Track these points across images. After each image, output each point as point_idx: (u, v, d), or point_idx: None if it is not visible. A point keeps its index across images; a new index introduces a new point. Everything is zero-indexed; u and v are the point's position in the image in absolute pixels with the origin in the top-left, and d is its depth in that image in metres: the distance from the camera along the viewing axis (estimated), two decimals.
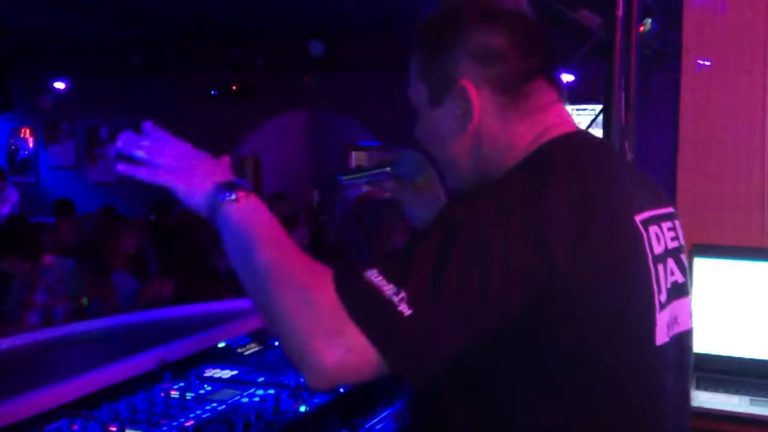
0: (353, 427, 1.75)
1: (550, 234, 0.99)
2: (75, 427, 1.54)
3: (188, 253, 4.67)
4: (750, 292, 2.40)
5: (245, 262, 1.07)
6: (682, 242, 1.24)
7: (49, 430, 1.54)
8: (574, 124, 1.21)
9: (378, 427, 1.82)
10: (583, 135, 1.22)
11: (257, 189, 10.84)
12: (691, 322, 1.23)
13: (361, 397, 1.80)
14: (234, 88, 9.10)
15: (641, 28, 2.57)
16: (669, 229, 1.19)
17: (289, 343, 0.98)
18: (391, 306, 0.94)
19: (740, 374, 2.38)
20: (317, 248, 8.73)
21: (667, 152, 3.83)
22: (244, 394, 1.75)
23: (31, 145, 10.68)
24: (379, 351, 0.93)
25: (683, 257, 1.22)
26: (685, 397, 1.25)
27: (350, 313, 0.95)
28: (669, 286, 1.14)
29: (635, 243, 1.08)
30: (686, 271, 1.22)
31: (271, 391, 1.74)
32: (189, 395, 1.73)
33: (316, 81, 8.82)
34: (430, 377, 0.98)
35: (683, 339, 1.20)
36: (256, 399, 1.72)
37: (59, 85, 9.55)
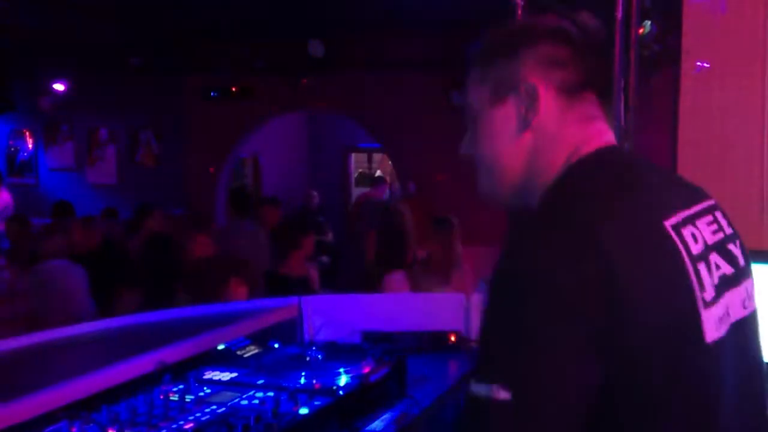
0: (353, 429, 1.75)
1: (607, 276, 1.02)
2: (74, 429, 1.54)
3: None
4: None
5: None
6: (728, 232, 1.26)
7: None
8: (612, 139, 1.27)
9: (377, 429, 1.82)
10: (614, 150, 1.27)
11: (256, 190, 10.87)
12: (748, 308, 1.24)
13: (360, 400, 1.80)
14: (233, 89, 9.10)
15: (640, 30, 2.57)
16: (709, 224, 1.22)
17: None
18: (490, 402, 1.01)
19: None
20: (317, 247, 8.74)
21: (666, 154, 3.83)
22: (244, 396, 1.75)
23: (30, 146, 10.67)
24: None
25: (731, 246, 1.25)
26: (755, 390, 1.25)
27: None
28: (716, 281, 1.16)
29: (668, 249, 1.11)
30: (736, 258, 1.24)
31: (271, 394, 1.73)
32: (188, 397, 1.73)
33: (315, 82, 8.82)
34: None
35: (740, 327, 1.21)
36: (256, 401, 1.72)
37: (59, 87, 9.55)
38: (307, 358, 2.00)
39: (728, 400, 1.16)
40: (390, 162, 10.70)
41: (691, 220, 1.18)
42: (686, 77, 2.55)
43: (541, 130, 1.22)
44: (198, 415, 1.63)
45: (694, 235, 1.16)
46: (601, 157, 1.22)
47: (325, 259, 8.44)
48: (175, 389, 1.77)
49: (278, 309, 2.38)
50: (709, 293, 1.13)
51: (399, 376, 1.96)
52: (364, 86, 8.84)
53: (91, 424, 1.56)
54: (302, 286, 4.36)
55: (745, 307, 1.23)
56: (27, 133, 10.64)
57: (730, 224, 1.28)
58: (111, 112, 9.98)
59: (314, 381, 1.85)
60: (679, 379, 1.08)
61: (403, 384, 1.98)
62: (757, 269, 2.38)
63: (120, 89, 9.56)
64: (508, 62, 1.23)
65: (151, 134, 10.00)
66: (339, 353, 2.05)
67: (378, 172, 12.20)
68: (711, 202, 1.27)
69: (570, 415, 1.02)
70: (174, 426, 1.56)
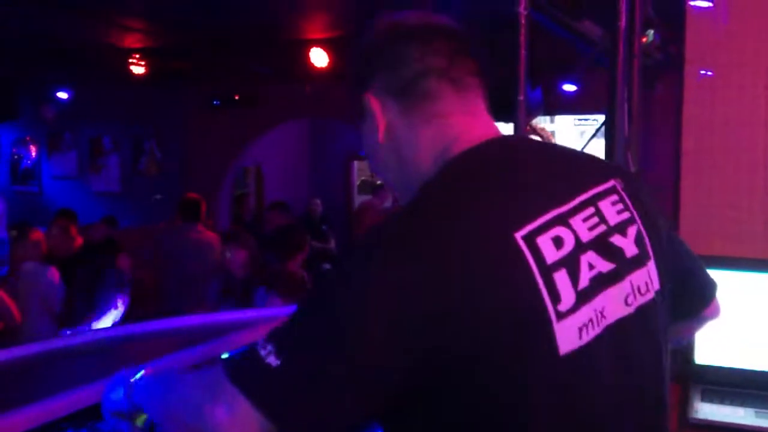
0: None
1: (409, 296, 0.98)
2: None
3: None
4: (754, 304, 2.40)
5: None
6: (619, 219, 1.19)
7: None
8: (487, 131, 1.21)
9: None
10: (489, 146, 1.19)
11: (259, 198, 10.88)
12: (633, 305, 1.16)
13: None
14: (236, 97, 9.12)
15: (643, 39, 2.58)
16: (587, 218, 1.15)
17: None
18: (259, 360, 0.97)
19: (745, 386, 2.37)
20: (319, 257, 8.74)
21: (669, 163, 3.83)
22: None
23: (34, 154, 10.70)
24: (253, 405, 0.95)
25: (616, 237, 1.17)
26: (644, 389, 1.18)
27: (228, 375, 0.99)
28: (586, 284, 1.10)
29: (512, 263, 1.05)
30: (619, 251, 1.16)
31: None
32: None
33: (318, 90, 8.84)
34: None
35: (623, 327, 1.14)
36: None
37: (62, 95, 9.58)
38: None
39: (606, 401, 1.11)
40: None
41: (560, 220, 1.11)
42: (689, 86, 2.56)
43: (390, 134, 1.21)
44: None
45: (557, 240, 1.09)
46: (472, 156, 1.15)
47: (327, 266, 8.44)
48: None
49: (284, 317, 2.38)
50: (567, 303, 1.07)
51: None
52: None
53: None
54: (304, 287, 4.42)
55: (628, 304, 1.15)
56: (30, 142, 10.68)
57: (624, 208, 1.20)
58: (114, 121, 10.00)
59: None
60: (529, 393, 1.04)
61: None
62: (761, 279, 2.39)
63: (123, 98, 9.59)
64: (356, 78, 1.25)
65: (154, 143, 10.02)
66: None
67: (380, 180, 12.22)
68: (596, 187, 1.19)
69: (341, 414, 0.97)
70: None
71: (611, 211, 1.18)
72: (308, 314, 1.03)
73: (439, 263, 1.00)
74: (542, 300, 1.05)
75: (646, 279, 1.19)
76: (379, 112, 1.21)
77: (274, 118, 9.49)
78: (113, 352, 2.13)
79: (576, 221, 1.13)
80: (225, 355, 2.03)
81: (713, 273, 2.43)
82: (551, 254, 1.08)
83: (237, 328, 2.20)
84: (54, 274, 4.46)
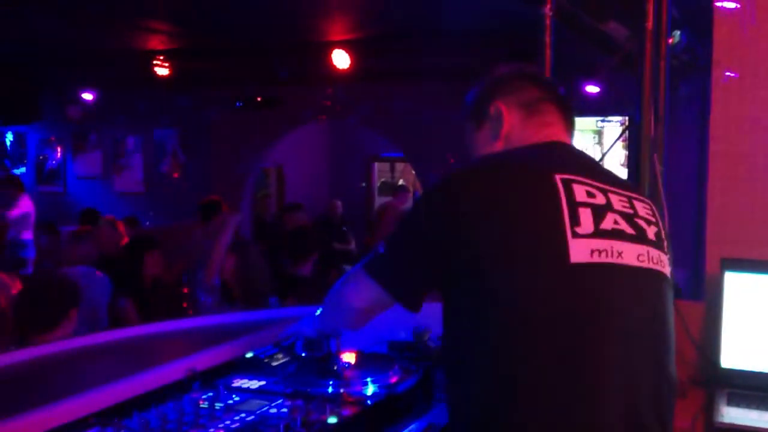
0: None
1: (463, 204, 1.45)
2: None
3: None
4: None
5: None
6: (642, 214, 1.55)
7: None
8: (561, 137, 1.66)
9: None
10: (553, 141, 1.64)
11: (280, 199, 10.92)
12: (644, 263, 1.49)
13: (388, 410, 1.80)
14: (258, 99, 9.16)
15: (670, 40, 2.56)
16: (620, 201, 1.52)
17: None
18: (374, 251, 1.61)
19: None
20: (340, 256, 8.76)
21: (693, 164, 3.80)
22: (273, 404, 1.75)
23: (59, 155, 10.82)
24: (368, 274, 1.60)
25: (641, 222, 1.53)
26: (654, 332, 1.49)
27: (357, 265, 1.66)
28: (608, 228, 1.45)
29: (547, 191, 1.44)
30: (642, 230, 1.51)
31: (299, 402, 1.74)
32: (218, 405, 1.74)
33: (340, 92, 8.86)
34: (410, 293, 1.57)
35: (638, 274, 1.47)
36: (284, 410, 1.72)
37: (87, 97, 9.68)
38: (335, 367, 2.00)
39: (616, 324, 1.42)
40: (413, 171, 10.71)
41: (600, 189, 1.49)
42: (716, 88, 2.53)
43: (509, 136, 1.66)
44: (227, 422, 1.64)
45: (590, 193, 1.47)
46: (539, 143, 1.62)
47: (347, 267, 8.46)
48: (204, 396, 1.78)
49: (306, 317, 2.38)
50: (585, 229, 1.42)
51: (427, 386, 1.96)
52: (387, 96, 8.86)
53: (123, 431, 1.57)
54: (316, 286, 4.48)
55: (641, 261, 1.48)
56: (56, 142, 10.80)
57: (652, 216, 1.58)
58: (137, 122, 10.09)
59: (342, 390, 1.85)
60: (540, 292, 1.38)
61: (431, 394, 1.97)
62: None
63: (146, 99, 9.67)
64: (483, 101, 1.71)
65: (176, 144, 10.09)
66: (366, 362, 2.05)
67: (401, 181, 12.22)
68: (634, 194, 1.59)
69: (415, 278, 1.55)
70: None
71: (641, 208, 1.56)
72: (403, 225, 1.59)
73: (491, 191, 1.45)
74: (562, 220, 1.41)
75: (662, 260, 1.54)
76: (506, 116, 1.66)
77: (296, 119, 9.52)
78: (136, 350, 2.15)
79: (612, 196, 1.51)
80: (249, 354, 2.05)
81: (740, 276, 2.41)
82: (581, 197, 1.46)
83: (266, 326, 2.21)
84: (105, 280, 4.45)
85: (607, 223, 1.46)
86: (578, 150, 1.72)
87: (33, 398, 1.58)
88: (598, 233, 1.44)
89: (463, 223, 1.43)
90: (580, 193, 1.46)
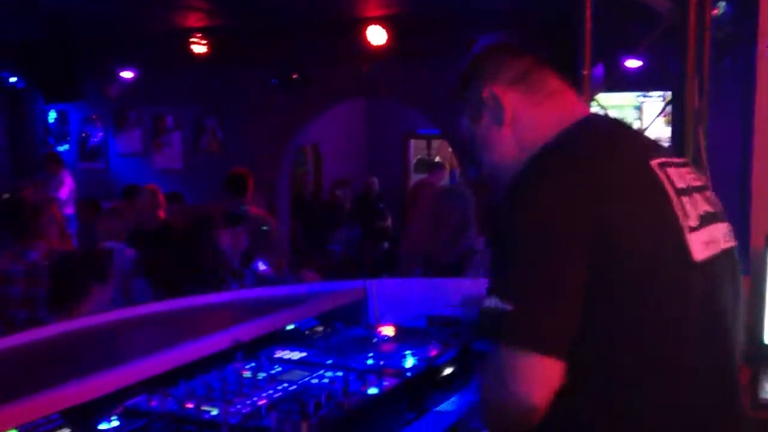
0: (421, 410, 1.77)
1: (601, 205, 1.24)
2: (153, 403, 1.60)
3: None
4: None
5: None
6: (705, 183, 1.48)
7: (129, 405, 1.61)
8: (585, 107, 1.53)
9: (445, 411, 1.84)
10: (596, 115, 1.60)
11: (317, 177, 10.97)
12: (730, 242, 1.44)
13: (428, 382, 1.82)
14: (294, 76, 9.16)
15: (715, 12, 2.50)
16: (689, 173, 1.43)
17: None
18: (502, 312, 1.22)
19: None
20: (376, 234, 8.80)
21: (737, 137, 3.71)
22: (314, 375, 1.79)
23: (100, 133, 10.99)
24: (506, 344, 1.23)
25: (708, 193, 1.45)
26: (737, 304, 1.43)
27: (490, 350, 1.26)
28: (701, 212, 1.37)
29: (653, 183, 1.32)
30: (715, 203, 1.45)
31: (340, 374, 1.77)
32: (260, 375, 1.78)
33: (376, 69, 8.83)
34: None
35: (727, 254, 1.41)
36: (326, 380, 1.75)
37: (127, 75, 9.79)
38: (374, 340, 2.03)
39: (729, 314, 1.37)
40: (449, 148, 10.66)
41: (673, 164, 1.39)
42: (762, 60, 2.47)
43: (515, 119, 1.48)
44: (270, 392, 1.67)
45: (678, 174, 1.38)
46: (587, 121, 1.46)
47: (385, 245, 8.49)
48: (247, 367, 1.82)
49: (345, 291, 2.42)
50: (693, 221, 1.33)
51: (466, 360, 1.97)
52: (424, 72, 8.81)
53: (169, 398, 1.62)
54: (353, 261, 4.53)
55: (726, 241, 1.42)
56: (97, 120, 10.96)
57: (703, 180, 1.50)
58: (176, 100, 10.18)
59: (381, 362, 1.88)
60: (671, 292, 1.27)
61: (470, 367, 1.99)
62: None
63: (185, 77, 9.74)
64: (471, 92, 1.53)
65: (215, 121, 10.18)
66: (405, 336, 2.07)
67: (437, 158, 12.17)
68: (685, 160, 1.56)
69: (565, 316, 1.22)
70: (248, 402, 1.60)
71: (693, 177, 1.46)
72: (509, 262, 1.28)
73: (597, 183, 1.26)
74: (676, 213, 1.31)
75: (729, 231, 1.46)
76: (505, 97, 1.47)
77: (332, 97, 9.52)
78: (182, 321, 2.19)
79: (683, 171, 1.42)
80: (290, 327, 2.08)
81: None
82: (678, 182, 1.36)
83: (306, 300, 2.24)
84: (130, 254, 4.53)
85: (700, 208, 1.38)
86: (624, 121, 1.61)
87: (83, 367, 1.63)
88: (701, 221, 1.35)
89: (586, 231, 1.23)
90: (675, 178, 1.36)
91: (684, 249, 1.29)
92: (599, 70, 3.81)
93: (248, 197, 5.55)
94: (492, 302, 1.23)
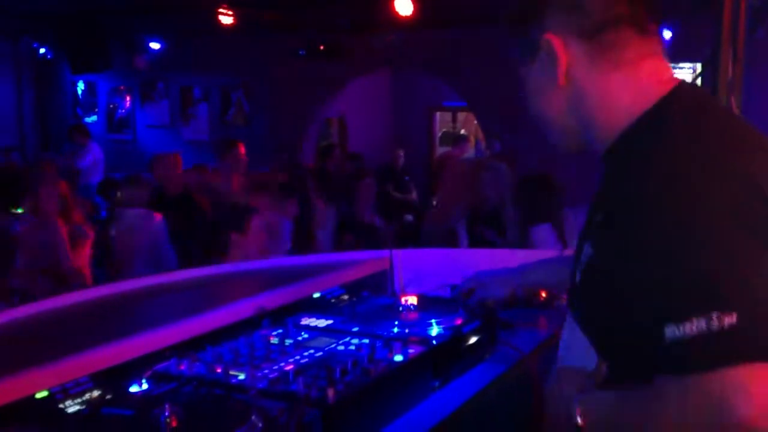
0: (446, 378, 1.78)
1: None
2: (182, 367, 1.62)
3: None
4: None
5: None
6: None
7: (159, 369, 1.63)
8: (670, 73, 1.22)
9: (468, 380, 1.84)
10: (689, 87, 1.22)
11: (343, 148, 10.97)
12: None
13: (453, 350, 1.83)
14: (321, 48, 9.13)
15: None
16: None
17: None
18: (713, 330, 0.96)
19: None
20: (401, 207, 8.79)
21: None
22: (340, 342, 1.80)
23: (128, 104, 11.07)
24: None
25: None
26: None
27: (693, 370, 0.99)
28: None
29: None
30: None
31: (366, 341, 1.78)
32: (287, 341, 1.79)
33: (401, 40, 8.76)
34: None
35: None
36: (352, 347, 1.76)
37: (154, 46, 9.83)
38: (400, 309, 2.03)
39: None
40: (475, 121, 10.59)
41: None
42: None
43: (570, 76, 1.21)
44: (297, 358, 1.69)
45: None
46: (688, 95, 1.18)
47: (409, 217, 8.49)
48: (274, 333, 1.84)
49: (370, 261, 2.43)
50: None
51: (491, 329, 1.98)
52: (450, 44, 8.73)
53: (198, 363, 1.64)
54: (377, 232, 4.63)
55: None
56: (125, 91, 11.04)
57: None
58: (203, 71, 10.21)
59: (407, 330, 1.88)
60: None
61: (495, 337, 1.99)
62: None
63: (211, 48, 9.76)
64: (528, 25, 1.24)
65: (241, 94, 10.20)
66: (430, 305, 2.08)
67: (462, 131, 12.10)
68: None
69: None
70: (275, 367, 1.62)
71: None
72: (695, 266, 1.00)
73: (746, 175, 1.04)
74: None
75: None
76: (562, 52, 1.20)
77: (358, 68, 9.49)
78: (209, 288, 2.22)
79: None
80: (316, 295, 2.09)
81: None
82: None
83: (331, 268, 2.25)
84: (160, 219, 4.56)
85: None
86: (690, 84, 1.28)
87: (114, 331, 1.66)
88: None
89: None
90: None
91: None
92: None
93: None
94: (690, 327, 0.97)
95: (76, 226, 4.38)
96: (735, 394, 0.95)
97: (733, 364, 0.95)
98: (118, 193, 5.42)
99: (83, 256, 4.35)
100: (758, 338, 0.97)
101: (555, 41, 1.20)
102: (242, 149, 5.90)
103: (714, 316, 0.96)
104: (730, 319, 0.96)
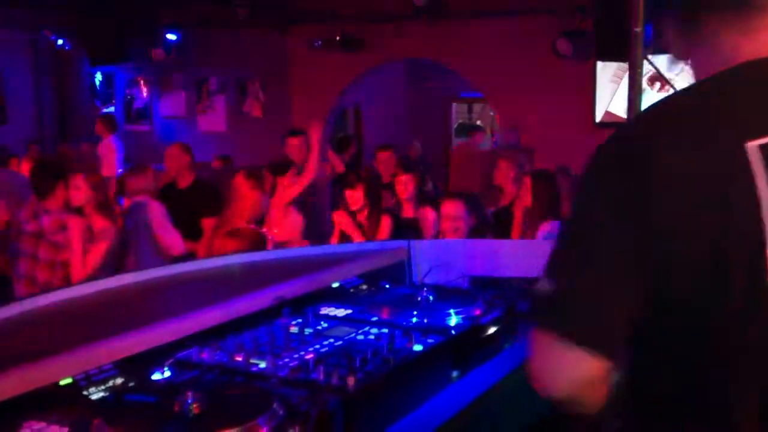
0: (465, 368, 1.79)
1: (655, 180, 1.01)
2: (203, 355, 1.64)
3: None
4: None
5: None
6: None
7: (180, 357, 1.65)
8: (754, 51, 1.09)
9: (487, 370, 1.85)
10: (747, 66, 1.09)
11: (359, 139, 10.96)
12: None
13: (472, 340, 1.83)
14: (337, 38, 9.13)
15: None
16: None
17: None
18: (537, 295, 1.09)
19: None
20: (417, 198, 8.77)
21: None
22: (359, 331, 1.81)
23: (145, 95, 11.11)
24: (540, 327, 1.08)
25: None
26: None
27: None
28: None
29: (736, 173, 0.98)
30: None
31: (385, 330, 1.78)
32: (307, 331, 1.80)
33: (418, 31, 8.74)
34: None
35: None
36: (371, 337, 1.77)
37: (171, 37, 9.86)
38: (418, 299, 2.04)
39: None
40: (491, 112, 10.54)
41: None
42: None
43: (693, 58, 1.17)
44: (317, 347, 1.70)
45: None
46: (725, 74, 1.08)
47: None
48: (294, 323, 1.85)
49: (389, 251, 2.43)
50: None
51: (510, 320, 1.98)
52: (467, 35, 8.69)
53: (218, 351, 1.66)
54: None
55: None
56: (142, 82, 11.09)
57: None
58: (220, 63, 10.23)
59: (426, 320, 1.89)
60: (731, 327, 1.00)
61: (514, 327, 1.99)
62: None
63: (228, 40, 9.77)
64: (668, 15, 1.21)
65: (257, 85, 10.21)
66: (449, 296, 2.08)
67: (478, 122, 12.06)
68: None
69: (610, 318, 1.03)
70: (295, 356, 1.63)
71: None
72: (559, 242, 1.11)
73: (648, 171, 1.00)
74: (760, 215, 0.98)
75: None
76: (671, 35, 1.19)
77: (374, 59, 9.46)
78: (229, 278, 2.23)
79: None
80: (335, 285, 2.10)
81: None
82: None
83: (349, 259, 2.26)
84: (155, 206, 4.57)
85: None
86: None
87: (136, 320, 1.68)
88: None
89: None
90: None
91: (757, 267, 0.98)
92: (647, 30, 3.71)
93: None
94: (541, 284, 1.10)
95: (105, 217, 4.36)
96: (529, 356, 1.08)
97: (539, 327, 1.07)
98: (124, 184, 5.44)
99: (96, 253, 4.32)
100: (566, 310, 1.05)
101: (670, 23, 1.20)
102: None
103: (553, 281, 1.07)
104: (552, 286, 1.06)
